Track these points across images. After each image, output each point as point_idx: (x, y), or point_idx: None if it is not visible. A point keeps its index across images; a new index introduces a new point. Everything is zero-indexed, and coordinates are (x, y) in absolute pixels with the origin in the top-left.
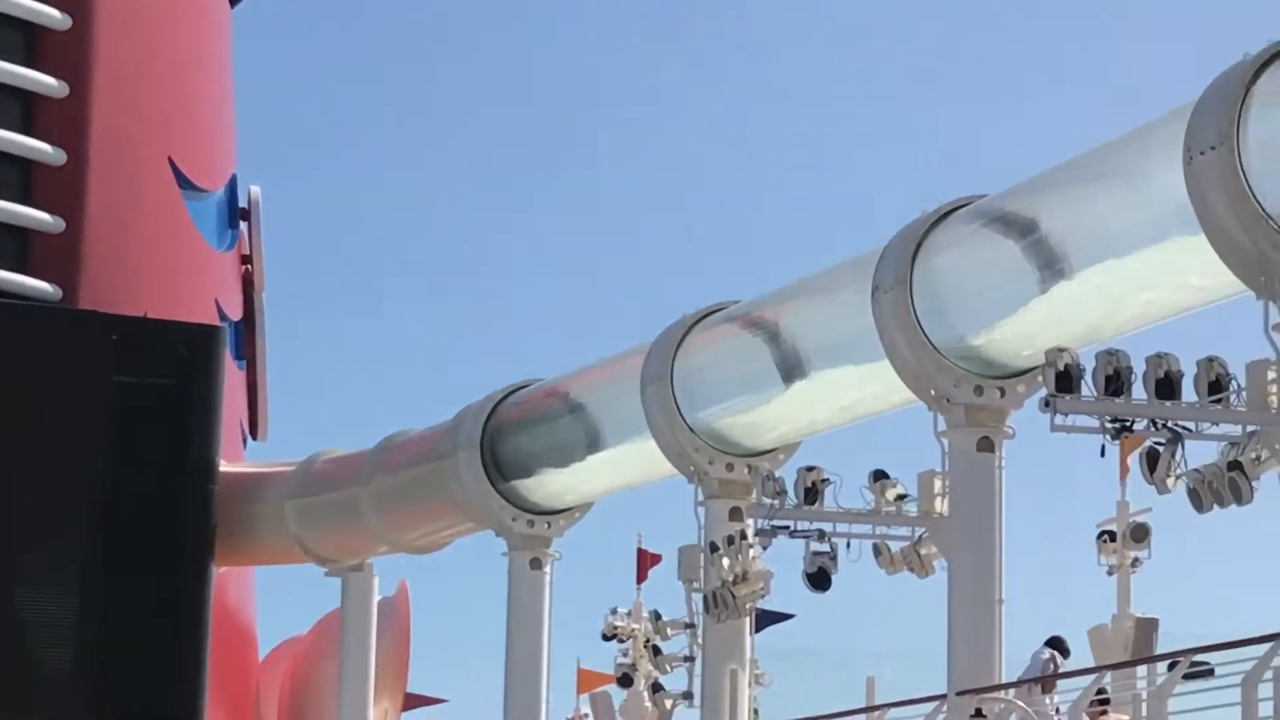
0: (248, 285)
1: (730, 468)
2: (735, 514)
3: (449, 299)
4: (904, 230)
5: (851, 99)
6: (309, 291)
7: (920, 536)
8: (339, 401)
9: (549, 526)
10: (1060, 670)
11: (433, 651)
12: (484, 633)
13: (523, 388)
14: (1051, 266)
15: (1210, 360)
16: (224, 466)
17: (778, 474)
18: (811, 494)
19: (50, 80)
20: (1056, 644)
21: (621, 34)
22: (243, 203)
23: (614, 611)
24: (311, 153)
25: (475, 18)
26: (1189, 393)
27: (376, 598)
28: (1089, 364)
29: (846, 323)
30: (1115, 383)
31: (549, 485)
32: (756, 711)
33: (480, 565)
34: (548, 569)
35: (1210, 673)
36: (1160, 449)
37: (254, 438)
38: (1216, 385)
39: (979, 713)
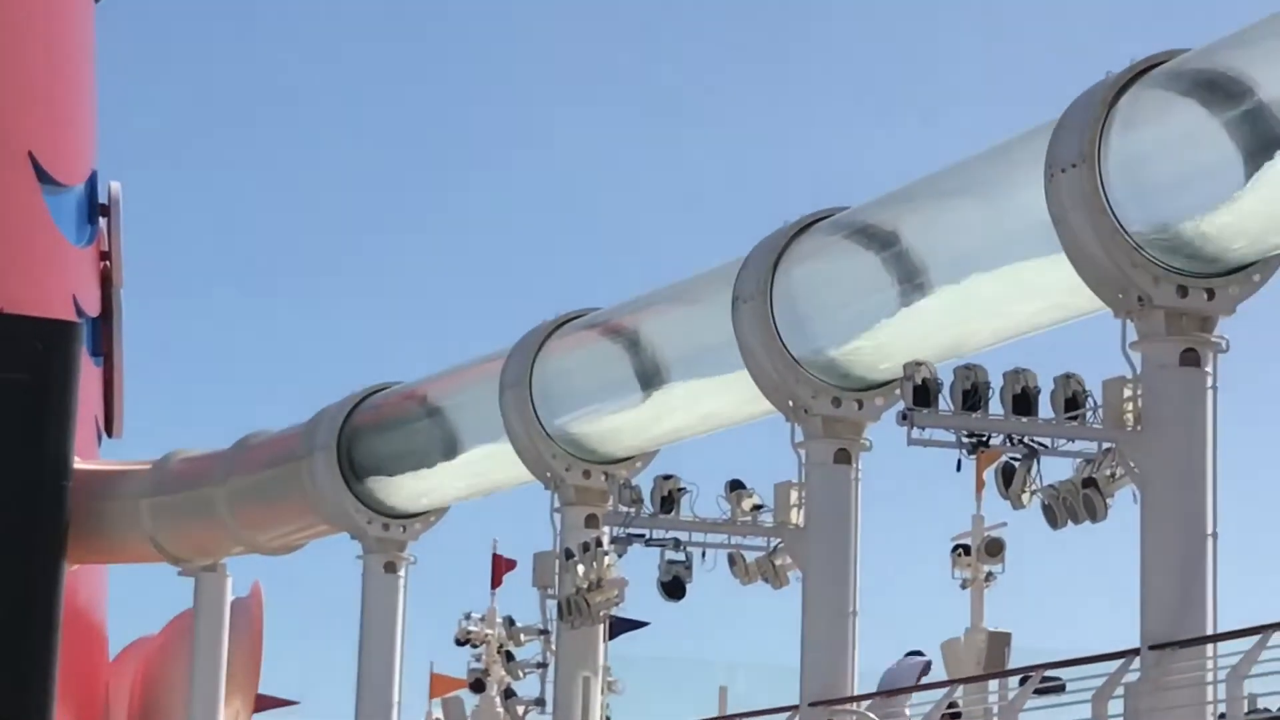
0: (106, 281)
1: (587, 474)
2: (591, 521)
3: (309, 299)
4: (765, 240)
5: (722, 106)
6: (168, 289)
7: (775, 547)
8: (196, 400)
9: (404, 530)
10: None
11: (285, 653)
12: (337, 636)
13: (381, 390)
14: (912, 280)
15: (1067, 377)
16: (78, 463)
17: (634, 482)
18: (668, 503)
19: None
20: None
21: (482, 34)
22: (103, 198)
23: (468, 616)
24: (173, 149)
25: (335, 17)
26: (1046, 409)
27: (229, 598)
28: (947, 378)
29: (706, 332)
30: (972, 397)
31: (405, 489)
32: (609, 719)
33: (335, 568)
34: (402, 572)
35: (1061, 688)
36: (1016, 464)
37: (109, 435)
38: (1073, 402)
39: None
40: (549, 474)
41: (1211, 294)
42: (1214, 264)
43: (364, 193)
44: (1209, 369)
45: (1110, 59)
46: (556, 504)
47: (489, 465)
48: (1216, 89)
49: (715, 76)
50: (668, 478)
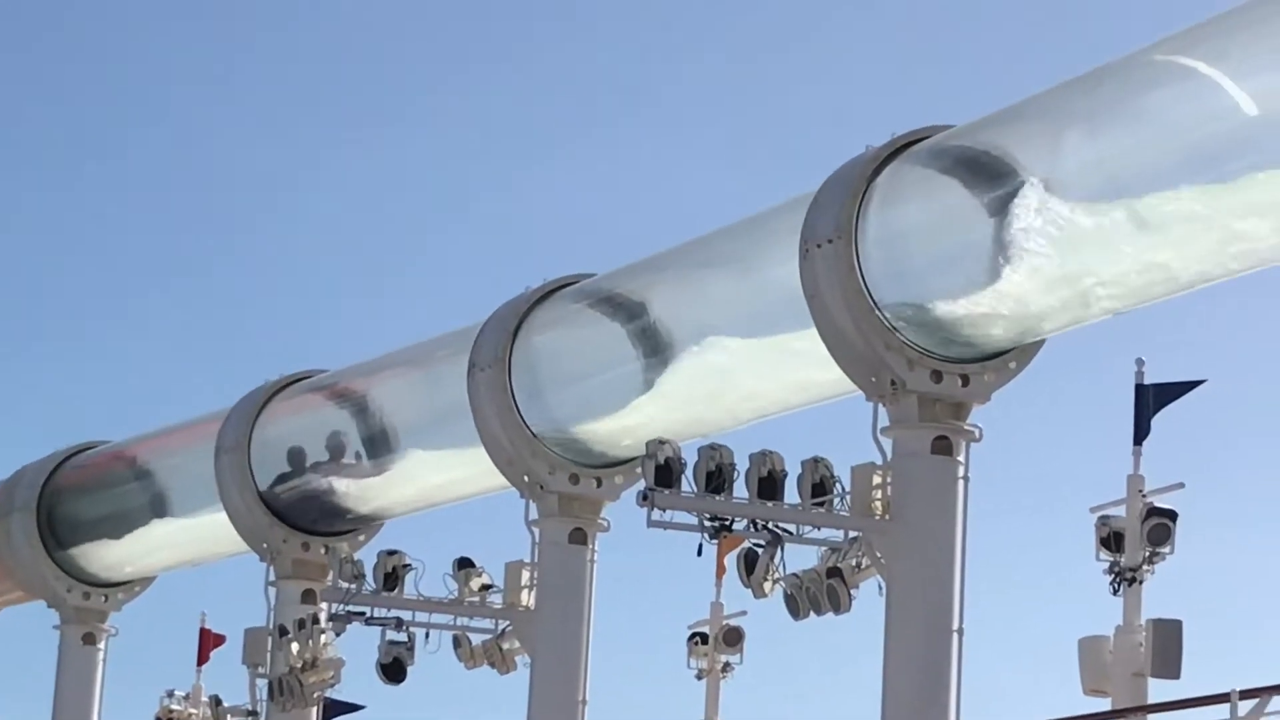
0: None
1: (305, 547)
2: (309, 596)
3: (9, 347)
4: (506, 306)
5: (462, 164)
6: None
7: (504, 630)
8: None
9: (106, 599)
10: None
11: None
12: (27, 711)
13: (87, 449)
14: (658, 353)
15: (816, 461)
16: None
17: (357, 556)
18: (391, 579)
19: None
20: None
21: (220, 83)
22: None
23: (170, 694)
24: None
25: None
26: (792, 494)
27: None
28: (691, 458)
29: (439, 400)
30: (717, 479)
31: (108, 555)
32: None
33: (29, 637)
34: (102, 645)
35: None
36: (759, 550)
37: None
38: (820, 487)
39: None
40: (265, 545)
41: (966, 380)
42: (970, 349)
43: (70, 236)
44: (961, 458)
45: (871, 132)
46: (272, 577)
47: (200, 533)
48: (978, 168)
49: (457, 130)
50: (392, 553)
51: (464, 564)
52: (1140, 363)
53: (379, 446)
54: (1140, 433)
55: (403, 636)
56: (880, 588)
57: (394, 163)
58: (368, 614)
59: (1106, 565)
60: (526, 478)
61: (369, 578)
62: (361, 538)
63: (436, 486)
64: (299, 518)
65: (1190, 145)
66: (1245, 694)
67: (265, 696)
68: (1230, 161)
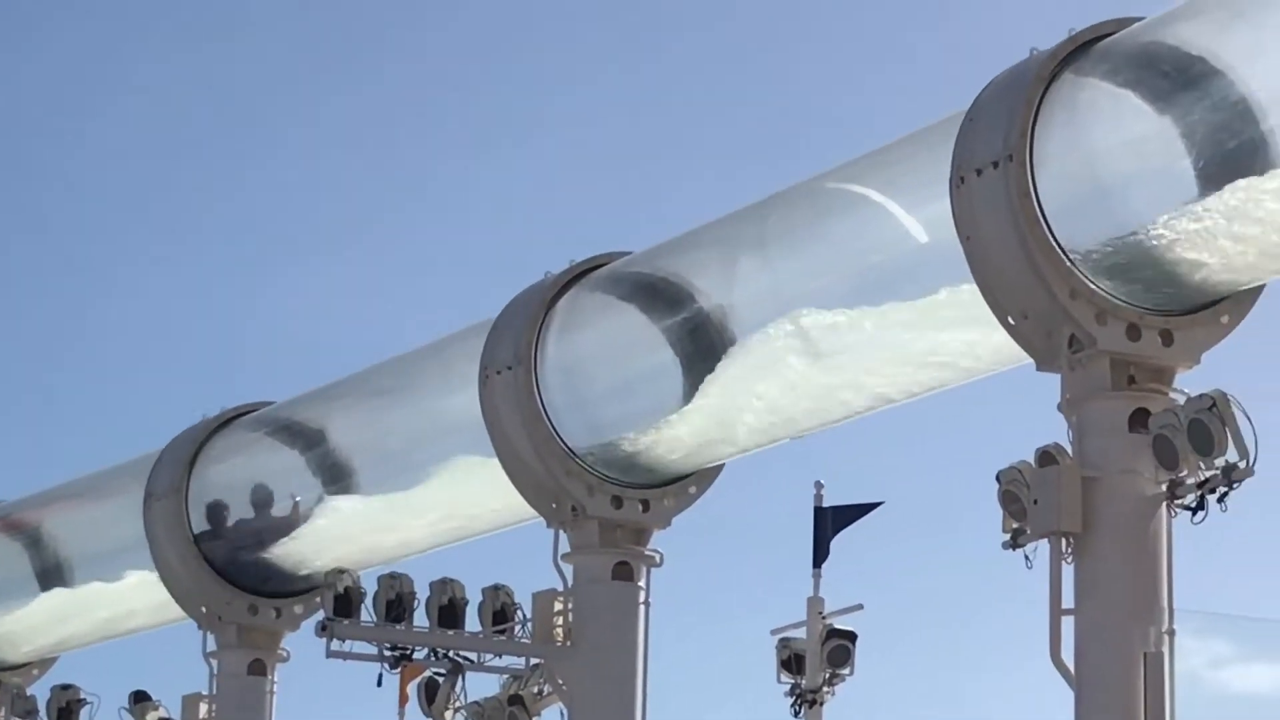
0: None
1: None
2: None
3: None
4: (182, 435)
5: (141, 290)
6: None
7: None
8: None
9: None
10: None
11: None
12: None
13: None
14: (337, 481)
15: (496, 588)
16: None
17: (30, 691)
18: (66, 714)
19: None
20: None
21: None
22: None
23: None
24: None
25: None
26: (473, 621)
27: None
28: (371, 586)
29: (114, 530)
30: (397, 608)
31: None
32: None
33: None
34: None
35: None
36: (440, 679)
37: None
38: (501, 615)
39: None
40: None
41: (647, 505)
42: (650, 475)
43: None
44: (642, 583)
45: (550, 258)
46: None
47: None
48: (657, 295)
49: (158, 257)
50: (66, 688)
51: (140, 697)
52: (819, 485)
53: (53, 579)
54: (819, 555)
55: None
56: (562, 714)
57: (78, 283)
58: None
59: (788, 687)
60: (204, 609)
61: (42, 713)
62: (35, 672)
63: (113, 619)
64: None
65: (863, 271)
66: None
67: None
68: (902, 287)
